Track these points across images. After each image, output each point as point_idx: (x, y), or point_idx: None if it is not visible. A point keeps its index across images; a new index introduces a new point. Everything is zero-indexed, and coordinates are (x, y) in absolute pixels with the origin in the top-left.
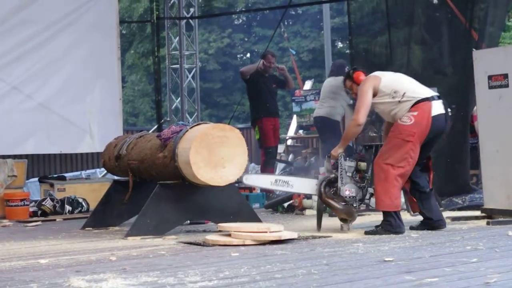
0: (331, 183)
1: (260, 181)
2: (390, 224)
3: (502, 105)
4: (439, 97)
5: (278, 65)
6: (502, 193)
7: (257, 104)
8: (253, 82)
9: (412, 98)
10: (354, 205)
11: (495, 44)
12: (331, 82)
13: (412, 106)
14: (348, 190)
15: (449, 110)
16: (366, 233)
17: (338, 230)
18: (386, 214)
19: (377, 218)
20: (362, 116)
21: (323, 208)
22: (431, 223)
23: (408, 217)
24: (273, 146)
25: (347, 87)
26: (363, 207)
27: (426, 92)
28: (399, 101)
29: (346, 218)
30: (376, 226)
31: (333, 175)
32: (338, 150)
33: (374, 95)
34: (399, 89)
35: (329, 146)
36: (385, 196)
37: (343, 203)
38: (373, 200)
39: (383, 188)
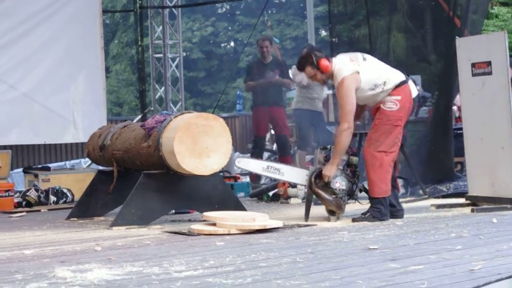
0: (321, 175)
1: (252, 165)
2: (380, 211)
3: (485, 93)
4: (408, 76)
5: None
6: (486, 180)
7: (254, 92)
8: (252, 70)
9: (392, 84)
10: (343, 198)
11: (478, 32)
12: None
13: (393, 89)
14: (338, 182)
15: (418, 87)
16: (354, 220)
17: (323, 219)
18: (376, 201)
19: (361, 206)
20: (351, 120)
21: (312, 199)
22: (393, 211)
23: None
24: (260, 135)
25: (309, 75)
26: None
27: (400, 74)
28: (381, 91)
29: (335, 210)
30: (363, 213)
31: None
32: (332, 170)
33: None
34: (378, 82)
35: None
36: (381, 183)
37: (333, 195)
38: (361, 195)
39: (379, 176)
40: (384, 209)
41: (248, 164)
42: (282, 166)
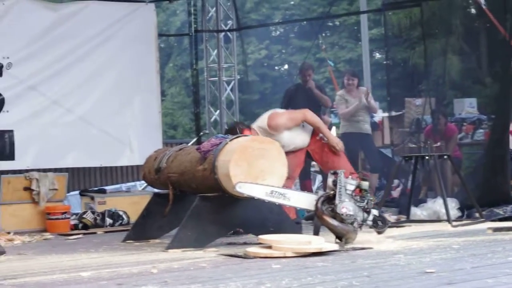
0: (329, 200)
1: (254, 190)
2: None
3: None
4: None
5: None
6: None
7: None
8: (292, 95)
9: None
10: (355, 224)
11: None
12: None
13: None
14: (345, 207)
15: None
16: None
17: (380, 242)
18: None
19: (416, 229)
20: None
21: (320, 224)
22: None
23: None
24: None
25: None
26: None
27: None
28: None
29: (341, 236)
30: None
31: (332, 192)
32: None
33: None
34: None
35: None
36: None
37: (341, 222)
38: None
39: None
40: None
41: (251, 189)
42: (287, 191)
